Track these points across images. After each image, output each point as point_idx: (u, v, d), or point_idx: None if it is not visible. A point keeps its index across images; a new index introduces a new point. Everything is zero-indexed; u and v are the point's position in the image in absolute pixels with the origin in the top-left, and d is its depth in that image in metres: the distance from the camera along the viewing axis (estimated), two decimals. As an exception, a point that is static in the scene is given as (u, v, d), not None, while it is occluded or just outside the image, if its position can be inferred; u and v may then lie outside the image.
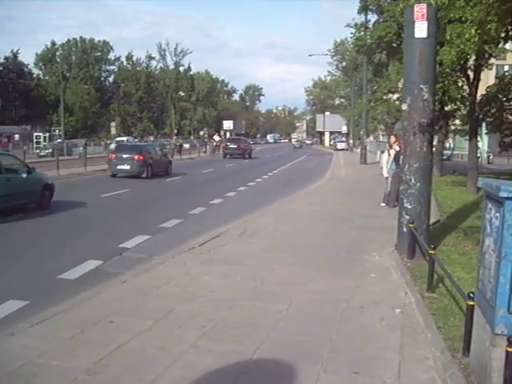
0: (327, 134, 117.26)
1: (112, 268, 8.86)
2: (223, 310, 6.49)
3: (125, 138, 68.11)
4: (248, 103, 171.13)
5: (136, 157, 26.20)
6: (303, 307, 6.70)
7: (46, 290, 7.63)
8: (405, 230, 9.30)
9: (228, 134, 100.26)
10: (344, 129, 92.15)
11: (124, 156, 26.50)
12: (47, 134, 67.77)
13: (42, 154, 47.60)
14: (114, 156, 27.16)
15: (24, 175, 14.80)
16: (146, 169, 26.36)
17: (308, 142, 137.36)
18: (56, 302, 6.71)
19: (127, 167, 26.22)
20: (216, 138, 66.34)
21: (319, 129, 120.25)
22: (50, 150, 45.04)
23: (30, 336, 5.58)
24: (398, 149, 15.26)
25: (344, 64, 79.99)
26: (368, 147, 45.84)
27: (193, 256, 9.36)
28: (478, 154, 25.75)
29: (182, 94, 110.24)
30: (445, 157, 34.76)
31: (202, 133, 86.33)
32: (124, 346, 5.34)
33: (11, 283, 7.98)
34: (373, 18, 27.48)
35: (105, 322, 6.02)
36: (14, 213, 13.71)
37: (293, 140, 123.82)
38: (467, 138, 21.57)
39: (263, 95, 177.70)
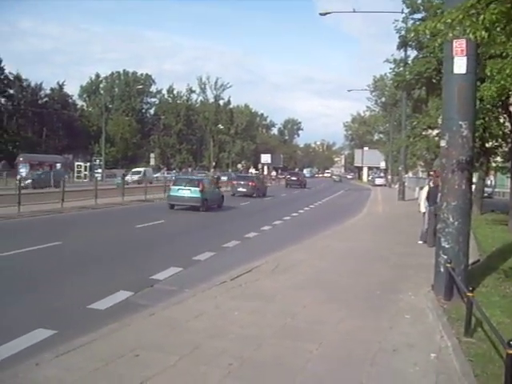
0: (365, 170, 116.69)
1: (142, 300, 8.80)
2: (251, 347, 6.31)
3: (142, 169, 64.52)
4: (287, 137, 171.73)
5: (250, 183, 40.91)
6: (334, 347, 6.48)
7: (76, 319, 7.60)
8: (442, 269, 9.00)
9: (266, 168, 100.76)
10: (382, 164, 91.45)
11: (242, 182, 41.40)
12: (88, 164, 69.11)
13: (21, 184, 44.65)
14: (235, 182, 42.23)
15: (217, 189, 29.56)
16: (256, 191, 40.28)
17: (349, 176, 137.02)
18: (84, 333, 6.65)
19: (244, 190, 40.35)
20: (252, 170, 66.36)
21: (357, 164, 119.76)
22: (30, 181, 42.77)
23: (54, 367, 5.50)
24: (431, 185, 15.09)
25: (383, 99, 79.98)
26: (406, 183, 45.25)
27: (224, 290, 9.24)
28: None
29: (221, 127, 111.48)
30: (486, 194, 33.98)
31: (239, 166, 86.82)
32: (147, 383, 5.21)
33: (43, 310, 7.99)
34: (412, 53, 27.41)
35: (130, 356, 5.91)
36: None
37: (333, 175, 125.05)
38: (509, 175, 21.06)
39: (302, 129, 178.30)
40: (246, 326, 7.18)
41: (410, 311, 8.18)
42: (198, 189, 25.45)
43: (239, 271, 10.89)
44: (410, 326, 7.43)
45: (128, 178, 52.89)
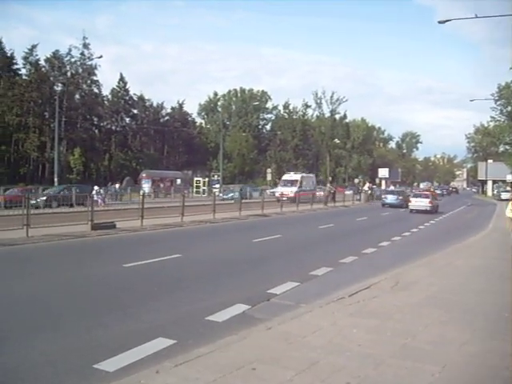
0: (490, 183, 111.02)
1: (259, 313, 8.83)
2: (370, 366, 6.09)
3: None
4: (405, 150, 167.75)
5: (400, 197, 48.56)
6: (458, 371, 6.09)
7: (194, 330, 7.75)
8: None
9: (384, 183, 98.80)
10: (509, 177, 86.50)
11: (389, 196, 50.19)
12: (206, 179, 71.31)
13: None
14: (384, 196, 51.06)
15: None
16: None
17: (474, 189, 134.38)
18: (202, 344, 6.76)
19: (394, 202, 47.64)
20: (366, 187, 64.55)
21: (481, 177, 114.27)
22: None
23: (173, 376, 5.62)
24: None
25: (509, 108, 75.68)
26: (537, 198, 42.39)
27: (341, 306, 9.05)
28: None
29: (338, 142, 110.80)
30: None
31: (356, 180, 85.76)
32: (264, 397, 5.18)
33: (163, 320, 8.25)
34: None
35: (247, 369, 5.91)
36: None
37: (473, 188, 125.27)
38: None
39: (421, 142, 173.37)
40: (364, 344, 6.95)
41: (545, 336, 7.53)
42: None
43: (357, 287, 10.64)
44: (545, 353, 6.83)
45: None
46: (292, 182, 56.27)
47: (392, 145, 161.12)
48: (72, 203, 30.04)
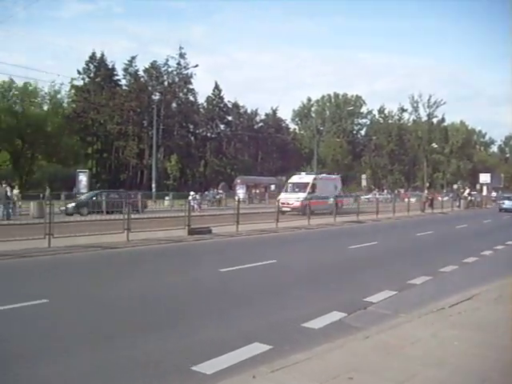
0: None
1: (355, 322, 8.67)
2: (475, 383, 5.80)
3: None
4: (508, 155, 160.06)
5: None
6: None
7: (290, 336, 7.71)
8: None
9: (485, 188, 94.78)
10: None
11: (507, 201, 50.13)
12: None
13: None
14: (502, 202, 51.54)
15: None
16: None
17: None
18: (298, 351, 6.72)
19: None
20: (466, 193, 62.15)
21: None
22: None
23: (269, 381, 5.60)
24: None
25: None
26: None
27: (441, 317, 8.70)
28: None
29: (435, 146, 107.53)
30: None
31: (455, 186, 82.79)
32: (362, 408, 5.06)
33: (259, 325, 8.28)
34: None
35: (344, 378, 5.79)
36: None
37: None
38: None
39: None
40: (467, 358, 6.63)
41: None
42: None
43: (458, 298, 10.21)
44: None
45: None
46: (301, 187, 41.48)
47: (494, 149, 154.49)
48: (107, 210, 27.65)
